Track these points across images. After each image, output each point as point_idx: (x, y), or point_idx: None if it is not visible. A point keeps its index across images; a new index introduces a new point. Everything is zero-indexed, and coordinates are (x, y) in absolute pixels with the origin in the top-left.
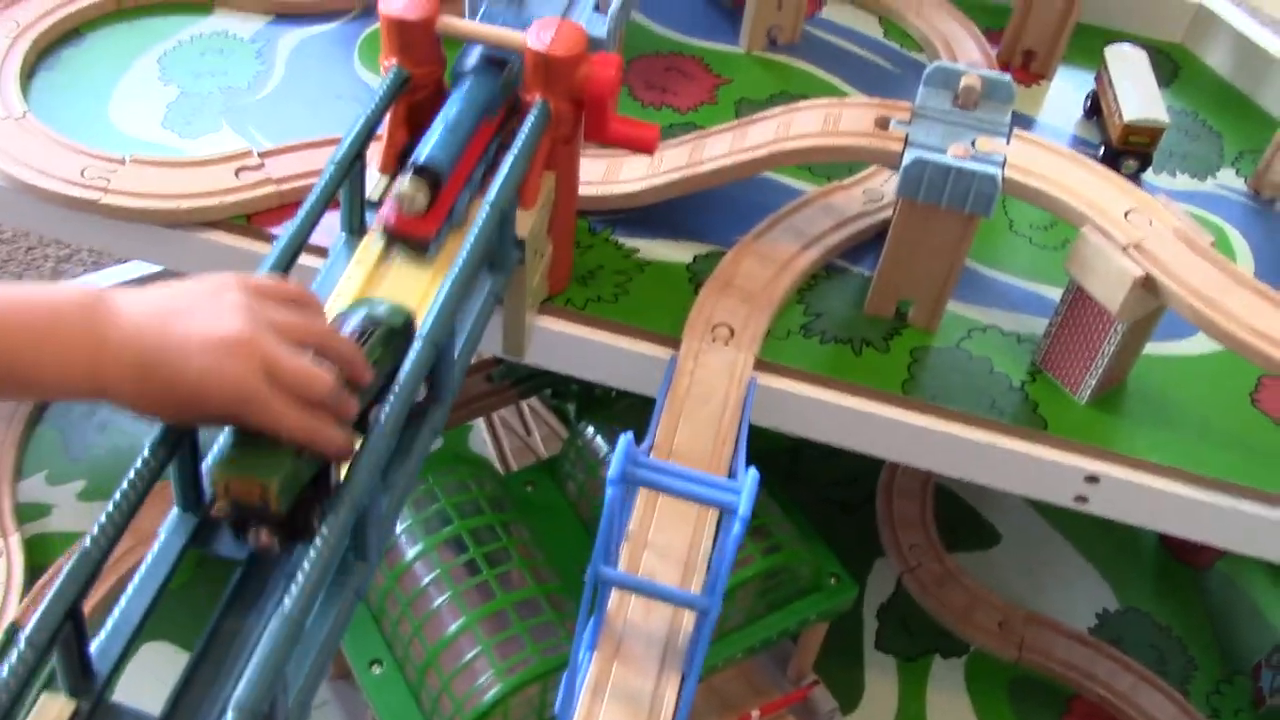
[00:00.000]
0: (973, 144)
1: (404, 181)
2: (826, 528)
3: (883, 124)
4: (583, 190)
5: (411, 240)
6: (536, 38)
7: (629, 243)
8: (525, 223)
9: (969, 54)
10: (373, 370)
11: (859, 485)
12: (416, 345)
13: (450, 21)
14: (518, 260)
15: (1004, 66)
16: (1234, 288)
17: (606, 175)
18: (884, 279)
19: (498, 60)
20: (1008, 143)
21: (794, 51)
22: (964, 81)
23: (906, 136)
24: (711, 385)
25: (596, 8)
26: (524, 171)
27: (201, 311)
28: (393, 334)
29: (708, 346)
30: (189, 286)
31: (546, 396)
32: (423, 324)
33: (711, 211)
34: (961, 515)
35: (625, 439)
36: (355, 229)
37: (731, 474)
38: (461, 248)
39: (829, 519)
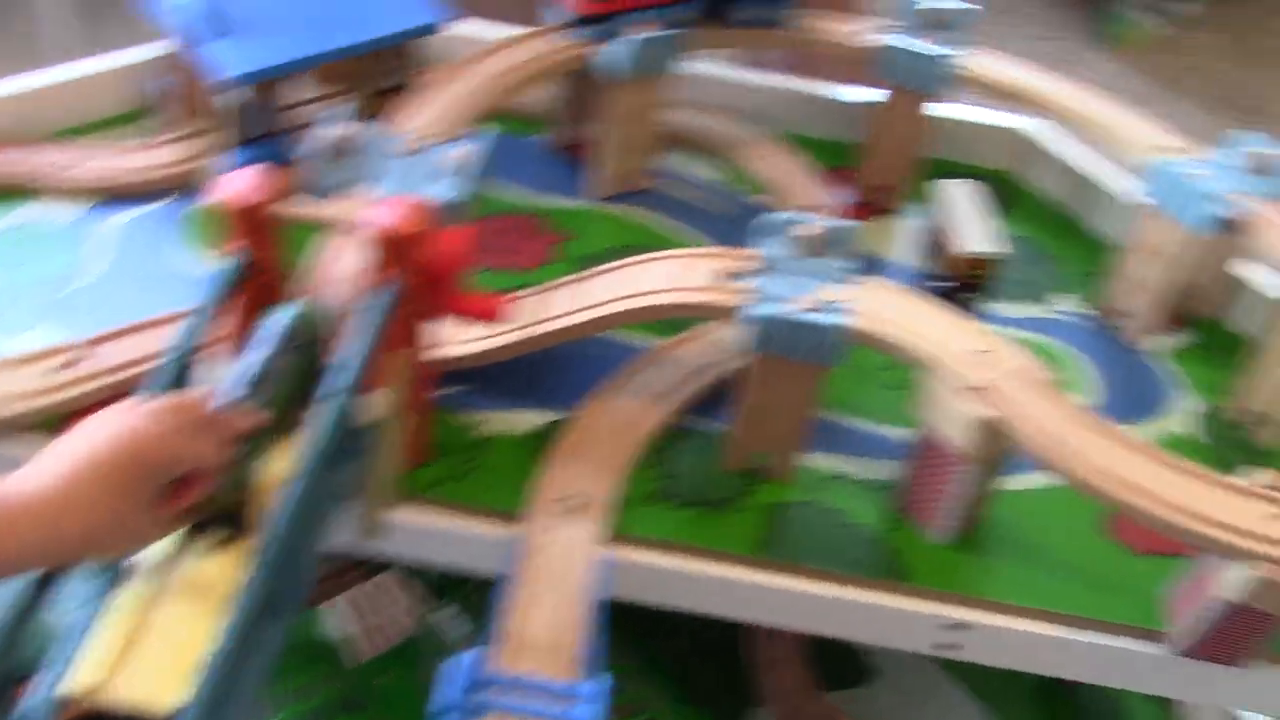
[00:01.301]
0: (819, 293)
1: None
2: (697, 675)
3: (728, 276)
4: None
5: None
6: (381, 215)
7: (472, 416)
8: (379, 404)
9: (811, 195)
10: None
11: (729, 625)
12: (253, 573)
13: (288, 206)
14: (371, 443)
15: (861, 203)
16: (1077, 426)
17: (448, 335)
18: (738, 435)
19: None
20: (854, 289)
21: (636, 202)
22: (807, 230)
23: (754, 289)
24: (564, 563)
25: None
26: (370, 358)
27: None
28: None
29: (557, 521)
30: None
31: (402, 572)
32: (260, 548)
33: (556, 374)
34: (836, 651)
35: (464, 661)
36: None
37: (589, 659)
38: (305, 449)
39: (698, 664)
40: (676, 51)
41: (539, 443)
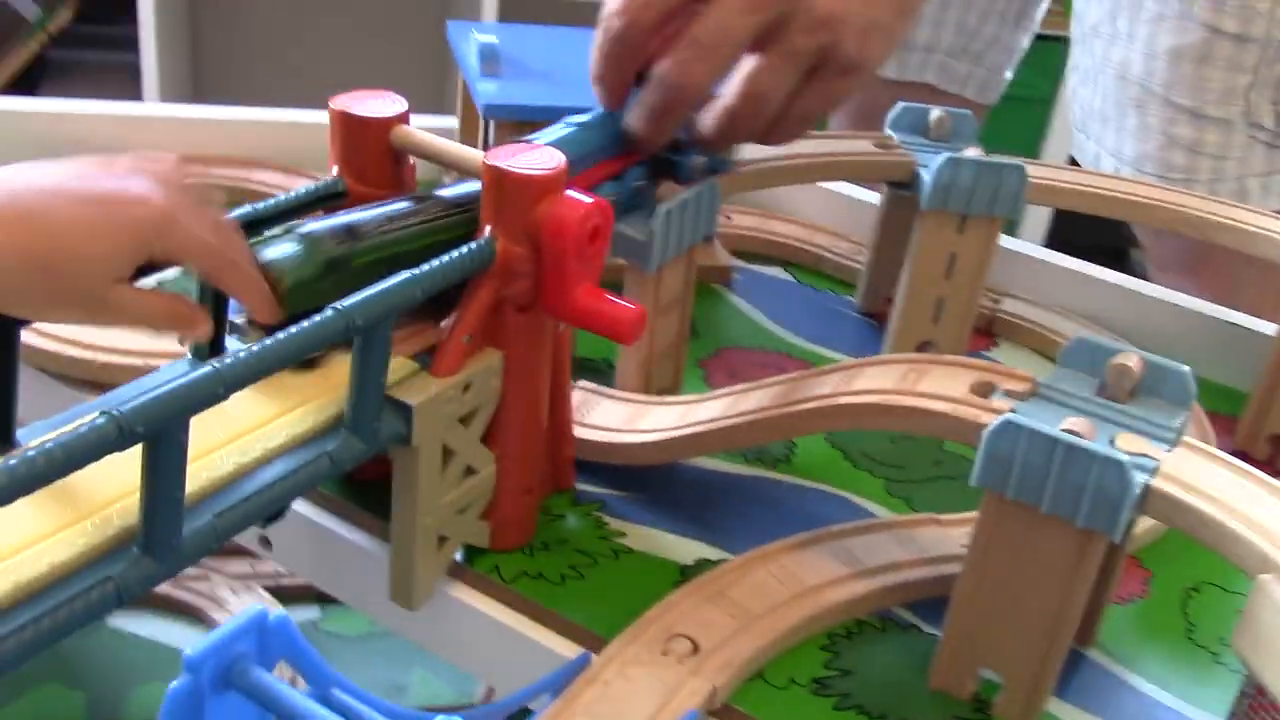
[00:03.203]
0: (1111, 441)
1: None
2: None
3: (982, 391)
4: (591, 435)
5: None
6: (500, 154)
7: (617, 524)
8: (421, 390)
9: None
10: None
11: None
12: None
13: (406, 131)
14: (396, 439)
15: (1242, 456)
16: None
17: (625, 422)
18: (957, 629)
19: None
20: (1166, 449)
21: None
22: (1116, 359)
23: (1012, 410)
24: (627, 709)
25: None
26: (428, 282)
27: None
28: None
29: (648, 656)
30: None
31: None
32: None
33: (743, 510)
34: None
35: None
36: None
37: None
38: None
39: None
40: (1021, 183)
41: (679, 576)
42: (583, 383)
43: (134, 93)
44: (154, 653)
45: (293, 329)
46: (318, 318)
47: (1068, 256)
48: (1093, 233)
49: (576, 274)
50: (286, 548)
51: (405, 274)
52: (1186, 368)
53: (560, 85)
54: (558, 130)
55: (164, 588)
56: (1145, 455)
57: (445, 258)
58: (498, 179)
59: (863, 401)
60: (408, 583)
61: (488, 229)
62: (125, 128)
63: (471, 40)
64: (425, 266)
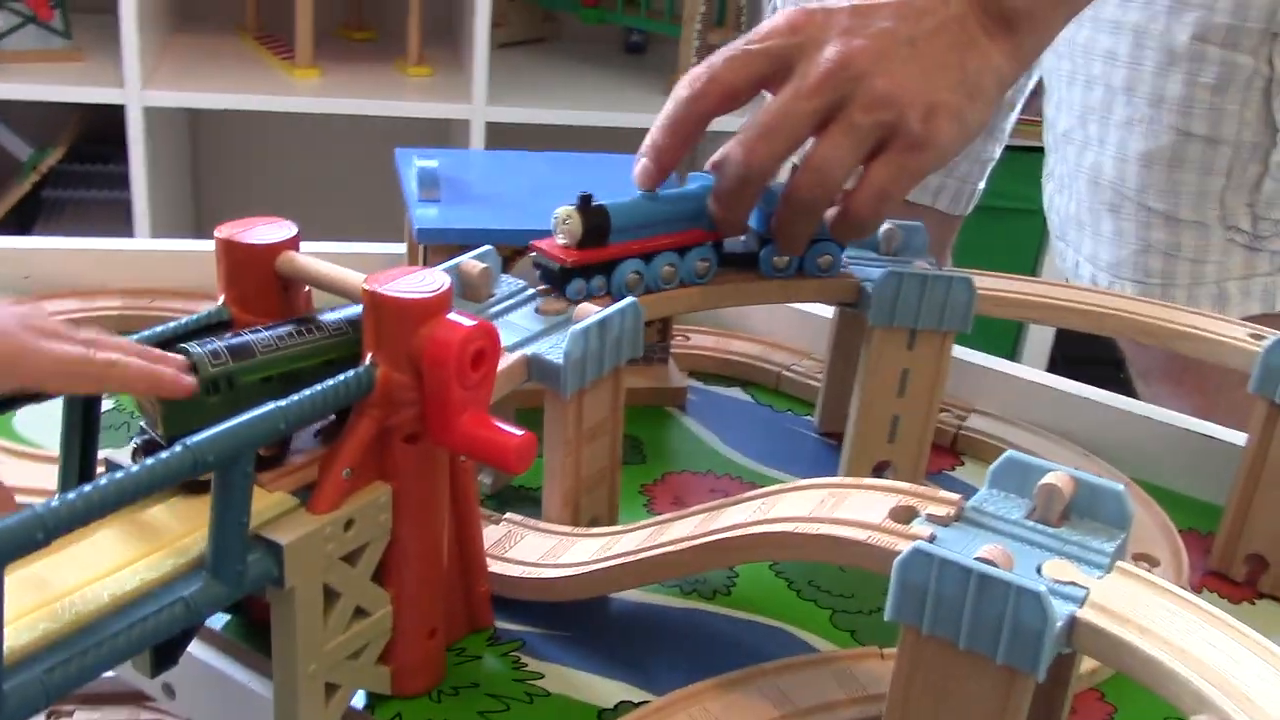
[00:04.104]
0: (1038, 569)
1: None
2: None
3: (902, 517)
4: (510, 570)
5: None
6: (381, 279)
7: (536, 664)
8: (294, 528)
9: (1157, 550)
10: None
11: None
12: None
13: (290, 257)
14: (269, 581)
15: (1219, 576)
16: None
17: (546, 556)
18: None
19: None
20: (1097, 576)
21: None
22: (1045, 480)
23: (931, 538)
24: None
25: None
26: (297, 414)
27: None
28: None
29: None
30: None
31: None
32: None
33: (675, 647)
34: None
35: None
36: None
37: None
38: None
39: None
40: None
41: None
42: (509, 515)
43: (127, 228)
44: None
45: (134, 468)
46: (164, 454)
47: (1035, 370)
48: (1094, 343)
49: (460, 400)
50: (187, 694)
51: (268, 406)
52: (1121, 486)
53: (497, 209)
54: (622, 199)
55: None
56: (1073, 584)
57: (319, 386)
58: (376, 304)
59: (776, 531)
60: None
61: (368, 356)
62: (81, 262)
63: (413, 166)
64: (294, 397)
